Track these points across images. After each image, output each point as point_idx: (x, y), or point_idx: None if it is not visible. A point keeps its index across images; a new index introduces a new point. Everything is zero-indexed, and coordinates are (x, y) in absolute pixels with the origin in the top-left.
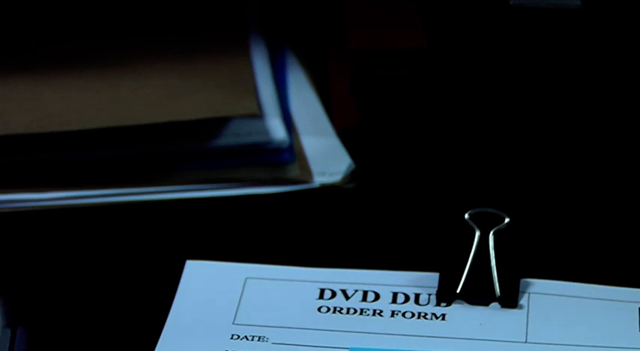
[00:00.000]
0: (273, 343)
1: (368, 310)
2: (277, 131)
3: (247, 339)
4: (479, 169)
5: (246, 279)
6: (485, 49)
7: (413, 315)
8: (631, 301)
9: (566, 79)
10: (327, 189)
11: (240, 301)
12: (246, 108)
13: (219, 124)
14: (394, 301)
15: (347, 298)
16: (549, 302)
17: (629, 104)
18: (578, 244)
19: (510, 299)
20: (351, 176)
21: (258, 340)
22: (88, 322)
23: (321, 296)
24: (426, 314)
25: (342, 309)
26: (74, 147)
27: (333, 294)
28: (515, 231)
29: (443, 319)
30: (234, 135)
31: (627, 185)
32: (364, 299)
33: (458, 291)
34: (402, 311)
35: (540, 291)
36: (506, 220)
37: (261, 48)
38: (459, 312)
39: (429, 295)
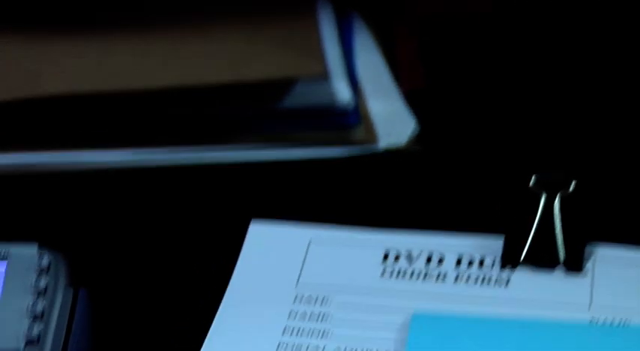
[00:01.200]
0: (336, 305)
1: (432, 273)
2: (343, 94)
3: (310, 300)
4: (545, 132)
5: (310, 241)
6: (553, 11)
7: (477, 279)
8: None
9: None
10: (392, 152)
11: (303, 262)
12: (312, 68)
13: (284, 85)
14: (458, 264)
15: (411, 261)
16: (615, 268)
17: None
18: None
19: (575, 264)
20: (417, 139)
21: (322, 302)
22: (151, 283)
23: (385, 259)
24: (490, 278)
25: (405, 272)
26: (140, 106)
27: (397, 257)
28: (583, 194)
29: (507, 283)
30: (300, 97)
31: None
32: (428, 262)
33: (523, 255)
34: (466, 275)
35: (607, 256)
36: (573, 183)
37: (327, 10)
38: (523, 276)
39: (494, 258)
